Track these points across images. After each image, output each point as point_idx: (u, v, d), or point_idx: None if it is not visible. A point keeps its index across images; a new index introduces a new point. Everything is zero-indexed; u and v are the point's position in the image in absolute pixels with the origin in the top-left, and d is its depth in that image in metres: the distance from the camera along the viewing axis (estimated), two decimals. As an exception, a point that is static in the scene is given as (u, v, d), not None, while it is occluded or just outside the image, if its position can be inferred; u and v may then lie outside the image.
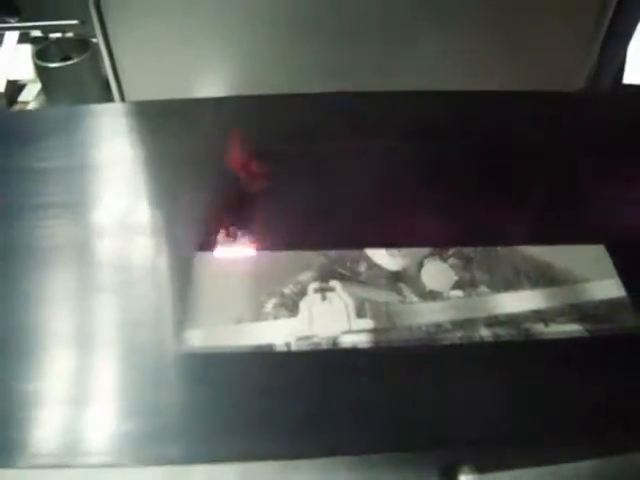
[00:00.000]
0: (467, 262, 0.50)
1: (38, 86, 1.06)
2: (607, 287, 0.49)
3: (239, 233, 0.52)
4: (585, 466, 0.44)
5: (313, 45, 0.77)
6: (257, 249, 0.51)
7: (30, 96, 1.07)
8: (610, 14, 0.77)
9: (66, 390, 0.43)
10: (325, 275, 0.49)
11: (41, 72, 0.98)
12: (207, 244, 0.51)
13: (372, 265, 0.50)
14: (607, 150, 0.62)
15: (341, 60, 0.77)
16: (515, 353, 0.45)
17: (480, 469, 0.41)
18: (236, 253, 0.51)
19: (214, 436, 0.40)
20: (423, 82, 0.72)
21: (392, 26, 0.77)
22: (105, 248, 0.53)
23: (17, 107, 1.07)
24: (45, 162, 0.60)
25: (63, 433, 0.40)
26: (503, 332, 0.45)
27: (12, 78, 1.06)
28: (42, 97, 1.06)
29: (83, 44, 0.97)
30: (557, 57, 0.80)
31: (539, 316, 0.47)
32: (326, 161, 0.60)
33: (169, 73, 0.80)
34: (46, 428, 0.41)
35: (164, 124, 0.65)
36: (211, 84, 0.79)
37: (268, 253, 0.51)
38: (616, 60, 0.83)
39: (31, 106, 1.06)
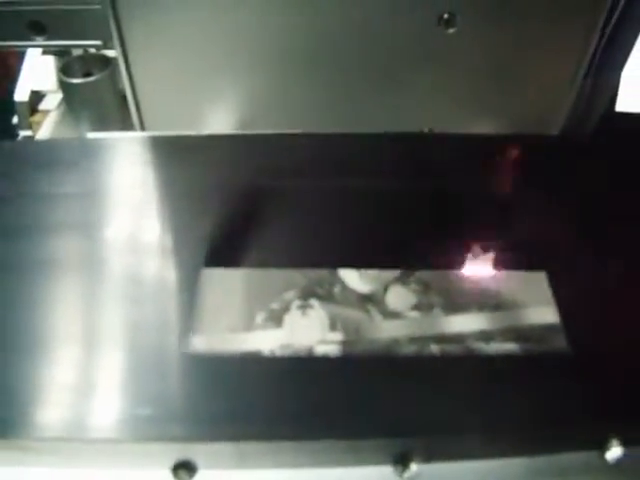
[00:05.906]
0: (426, 287, 0.60)
1: (59, 96, 1.11)
2: (543, 313, 0.57)
3: (240, 253, 0.61)
4: (534, 461, 0.51)
5: (328, 87, 0.81)
6: (252, 268, 0.61)
7: (51, 105, 1.12)
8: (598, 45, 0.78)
9: (76, 382, 0.51)
10: (306, 294, 0.58)
11: (65, 87, 1.04)
12: (212, 262, 0.61)
13: (345, 287, 0.59)
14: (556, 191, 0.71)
15: (356, 104, 0.82)
16: (459, 365, 0.54)
17: (430, 458, 0.50)
18: (236, 271, 0.61)
19: (211, 419, 0.50)
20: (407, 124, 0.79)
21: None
22: (119, 265, 0.61)
23: (38, 116, 1.12)
24: (59, 188, 0.68)
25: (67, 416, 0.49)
26: (450, 348, 0.55)
27: (35, 89, 1.11)
28: (63, 106, 1.11)
29: (104, 60, 1.02)
30: (540, 92, 0.83)
31: (481, 335, 0.56)
32: (314, 196, 0.70)
33: (185, 96, 0.85)
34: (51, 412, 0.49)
35: (177, 157, 0.74)
36: (222, 115, 0.85)
37: (261, 271, 0.61)
38: (608, 88, 0.84)
39: (52, 115, 1.12)
